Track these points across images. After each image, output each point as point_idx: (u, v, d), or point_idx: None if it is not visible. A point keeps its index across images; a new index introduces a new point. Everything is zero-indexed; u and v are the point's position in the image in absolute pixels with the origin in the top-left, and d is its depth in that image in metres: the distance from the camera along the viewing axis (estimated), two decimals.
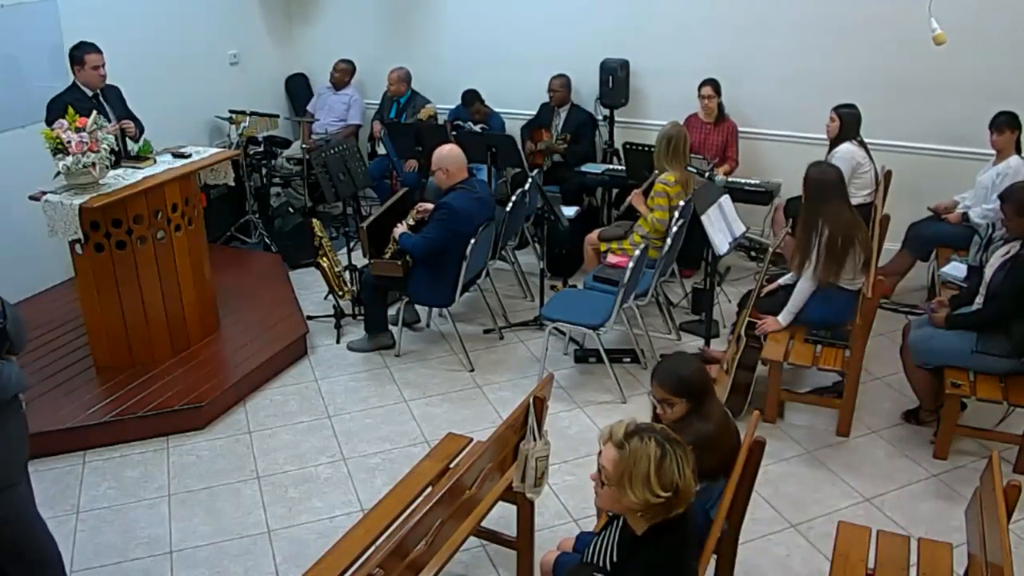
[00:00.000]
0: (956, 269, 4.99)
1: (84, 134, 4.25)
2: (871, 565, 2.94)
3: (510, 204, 5.44)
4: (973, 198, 5.30)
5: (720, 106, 6.11)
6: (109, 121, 4.77)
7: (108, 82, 5.12)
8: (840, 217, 4.28)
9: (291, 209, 6.89)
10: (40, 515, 2.99)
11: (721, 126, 6.15)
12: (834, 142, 5.45)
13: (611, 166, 6.45)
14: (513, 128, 6.88)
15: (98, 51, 4.97)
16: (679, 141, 5.07)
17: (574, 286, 5.58)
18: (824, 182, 4.33)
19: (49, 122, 4.61)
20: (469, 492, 2.88)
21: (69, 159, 4.22)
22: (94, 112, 4.45)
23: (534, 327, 5.43)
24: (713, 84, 6.04)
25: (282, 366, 5.03)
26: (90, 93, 4.98)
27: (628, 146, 5.90)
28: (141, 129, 5.23)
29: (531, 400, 3.05)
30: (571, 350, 5.14)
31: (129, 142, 4.92)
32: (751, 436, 2.80)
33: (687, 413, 2.85)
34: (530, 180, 5.56)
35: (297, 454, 4.28)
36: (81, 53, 4.92)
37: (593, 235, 5.55)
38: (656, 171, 5.17)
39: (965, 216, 5.27)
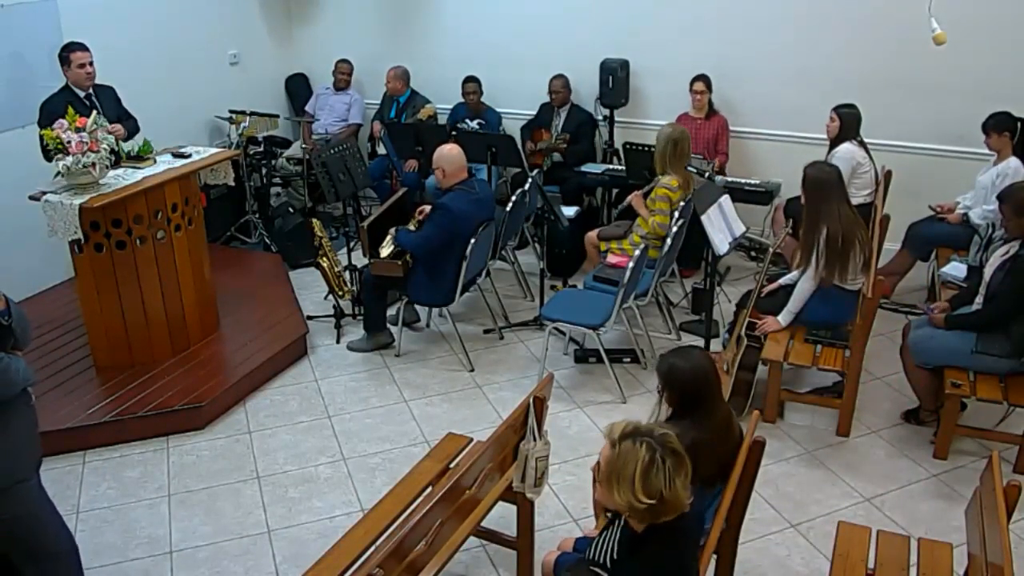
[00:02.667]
0: (956, 269, 4.99)
1: (84, 134, 4.25)
2: (871, 565, 2.94)
3: (510, 204, 5.44)
4: (973, 198, 5.30)
5: (710, 102, 6.13)
6: None
7: (104, 82, 5.11)
8: (840, 216, 4.28)
9: (291, 209, 6.90)
10: (56, 509, 2.99)
11: (712, 121, 6.17)
12: (834, 142, 5.45)
13: (611, 166, 6.45)
14: (513, 128, 6.89)
15: (84, 49, 4.91)
16: (683, 142, 5.07)
17: (574, 286, 5.58)
18: (824, 181, 4.33)
19: (42, 124, 4.59)
20: (469, 492, 2.88)
21: (69, 159, 4.22)
22: (94, 112, 4.45)
23: (534, 327, 5.43)
24: (704, 80, 6.08)
25: (282, 366, 5.03)
26: (82, 94, 4.96)
27: (628, 146, 5.90)
28: (135, 129, 5.21)
29: (531, 400, 3.05)
30: (571, 350, 5.14)
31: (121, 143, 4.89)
32: (751, 436, 2.80)
33: (683, 413, 2.83)
34: (530, 180, 5.56)
35: (297, 454, 4.28)
36: (67, 52, 4.88)
37: (592, 234, 5.55)
38: (658, 175, 5.16)
39: (965, 216, 5.27)
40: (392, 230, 4.97)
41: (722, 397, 2.97)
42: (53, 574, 3.00)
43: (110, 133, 4.67)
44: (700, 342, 5.04)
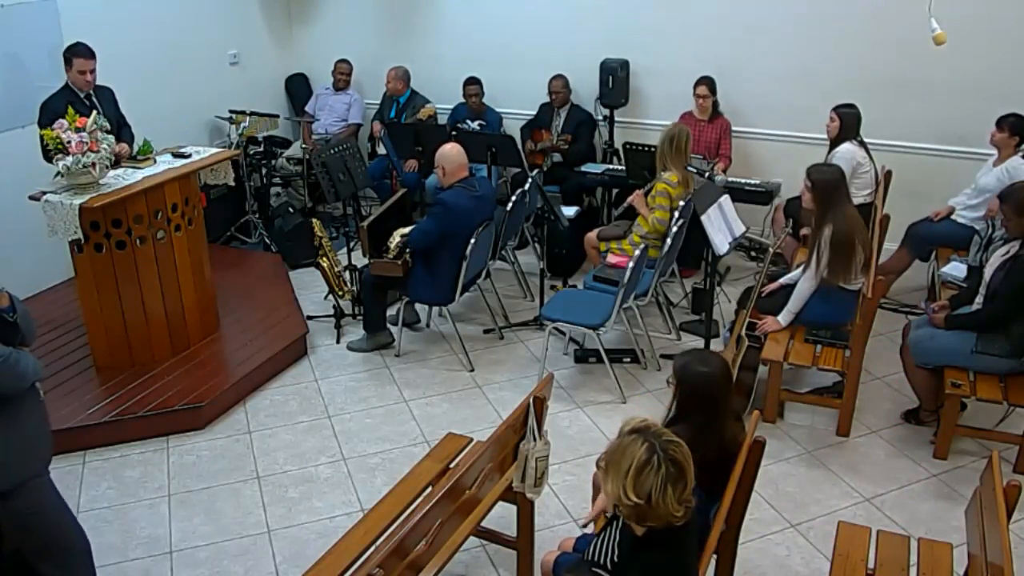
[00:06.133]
0: (956, 269, 4.98)
1: (84, 134, 4.25)
2: (871, 565, 2.94)
3: (510, 204, 5.44)
4: (971, 198, 5.28)
5: (715, 104, 6.13)
6: None
7: (105, 83, 5.09)
8: (847, 216, 4.29)
9: (291, 209, 6.90)
10: (67, 505, 3.00)
11: (715, 123, 6.17)
12: (834, 142, 5.44)
13: (611, 166, 6.45)
14: (513, 128, 6.89)
15: (87, 56, 4.81)
16: (680, 139, 5.08)
17: (574, 286, 5.58)
18: (833, 183, 4.34)
19: (42, 123, 4.59)
20: (469, 492, 2.88)
21: (69, 159, 4.22)
22: (94, 112, 4.45)
23: (534, 327, 5.43)
24: (708, 82, 6.07)
25: (282, 366, 5.03)
26: (82, 94, 4.93)
27: (628, 146, 5.90)
28: (131, 137, 5.19)
29: (531, 400, 3.05)
30: (571, 350, 5.14)
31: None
32: (751, 436, 2.80)
33: (683, 416, 2.81)
34: (530, 180, 5.56)
35: (297, 454, 4.28)
36: (70, 55, 4.82)
37: (592, 234, 5.55)
38: (659, 172, 5.17)
39: (950, 212, 5.30)
40: (404, 229, 4.98)
41: (728, 415, 2.86)
42: (68, 569, 3.00)
43: (116, 154, 4.68)
44: (700, 342, 5.04)
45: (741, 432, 2.87)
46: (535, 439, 3.04)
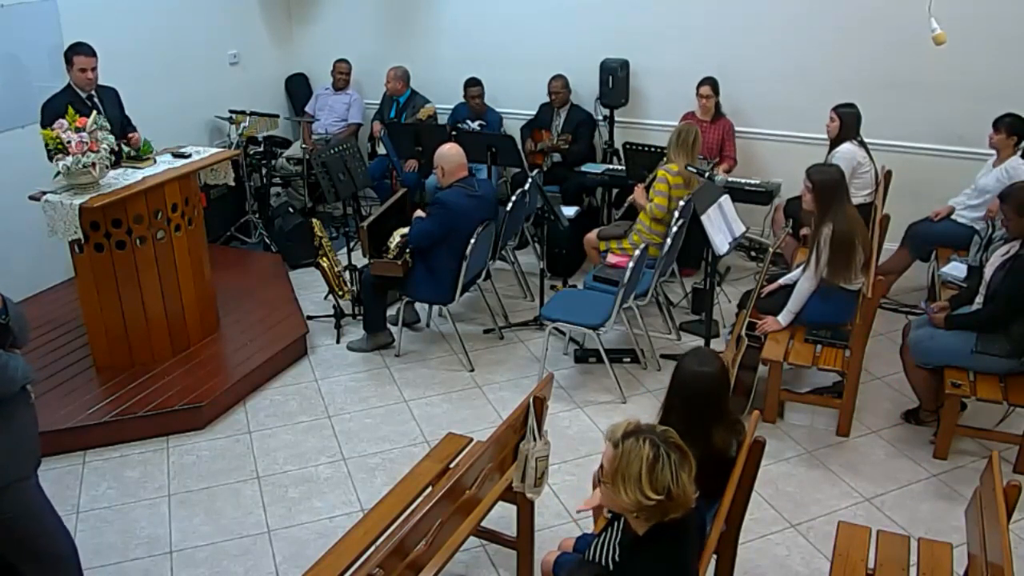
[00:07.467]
0: (956, 269, 4.98)
1: (84, 134, 4.25)
2: (871, 565, 2.94)
3: (510, 204, 5.44)
4: (971, 198, 5.28)
5: (717, 105, 6.13)
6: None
7: (107, 84, 5.10)
8: (847, 216, 4.29)
9: (291, 209, 6.90)
10: (54, 510, 2.99)
11: (717, 124, 6.16)
12: (834, 142, 5.44)
13: (611, 166, 6.45)
14: (513, 128, 6.89)
15: (87, 54, 4.82)
16: (688, 136, 5.10)
17: (574, 286, 5.58)
18: (833, 183, 4.34)
19: (44, 125, 4.59)
20: (469, 492, 2.88)
21: (69, 159, 4.22)
22: (94, 112, 4.45)
23: (534, 327, 5.43)
24: (711, 83, 6.06)
25: (282, 366, 5.02)
26: (84, 95, 4.93)
27: (628, 146, 5.90)
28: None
29: (531, 400, 3.05)
30: (571, 350, 5.14)
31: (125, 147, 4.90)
32: (751, 436, 2.80)
33: (668, 414, 2.79)
34: (530, 180, 5.56)
35: (297, 454, 4.28)
36: (71, 54, 4.83)
37: (592, 234, 5.55)
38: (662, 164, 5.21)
39: (950, 212, 5.30)
40: (404, 229, 4.99)
41: (723, 419, 2.82)
42: (56, 572, 3.00)
43: (128, 142, 4.71)
44: (700, 342, 5.04)
45: (742, 433, 2.86)
46: (535, 439, 3.05)
